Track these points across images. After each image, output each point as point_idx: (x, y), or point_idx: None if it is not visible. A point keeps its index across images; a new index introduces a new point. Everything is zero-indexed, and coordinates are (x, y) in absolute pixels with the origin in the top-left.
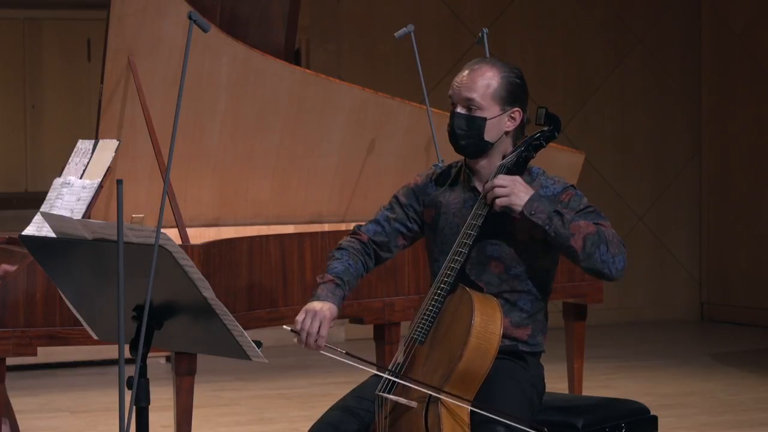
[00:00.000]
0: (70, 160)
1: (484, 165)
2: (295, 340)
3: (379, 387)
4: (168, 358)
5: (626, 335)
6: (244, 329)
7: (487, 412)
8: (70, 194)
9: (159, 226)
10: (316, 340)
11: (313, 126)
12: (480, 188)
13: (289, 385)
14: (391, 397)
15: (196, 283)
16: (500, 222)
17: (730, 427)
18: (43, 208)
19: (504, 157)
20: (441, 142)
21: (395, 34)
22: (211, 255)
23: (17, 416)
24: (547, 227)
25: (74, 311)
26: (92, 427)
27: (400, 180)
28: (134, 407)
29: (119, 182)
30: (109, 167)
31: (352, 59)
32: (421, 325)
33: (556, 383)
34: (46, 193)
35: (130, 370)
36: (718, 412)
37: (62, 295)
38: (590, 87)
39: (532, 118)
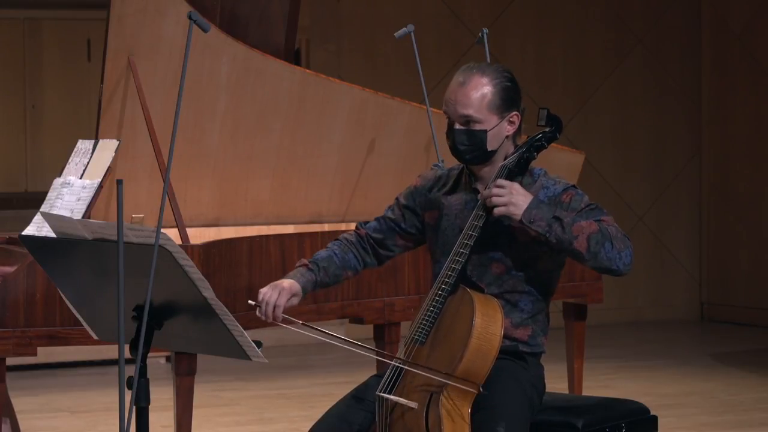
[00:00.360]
0: (70, 160)
1: (487, 170)
2: (257, 312)
3: (379, 387)
4: (168, 358)
5: (626, 335)
6: (244, 329)
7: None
8: (70, 194)
9: (159, 226)
10: (273, 310)
11: (313, 126)
12: (482, 190)
13: (289, 385)
14: (391, 397)
15: (196, 283)
16: (502, 224)
17: (730, 427)
18: (43, 208)
19: (505, 158)
20: (441, 142)
21: (395, 34)
22: (211, 255)
23: (17, 416)
24: (547, 235)
25: (74, 311)
26: (92, 427)
27: (400, 180)
28: (134, 407)
29: (119, 182)
30: (109, 167)
31: (352, 59)
32: (421, 326)
33: (556, 383)
34: (46, 193)
35: (130, 370)
36: (718, 412)
37: (62, 295)
38: (590, 87)
39: (533, 119)
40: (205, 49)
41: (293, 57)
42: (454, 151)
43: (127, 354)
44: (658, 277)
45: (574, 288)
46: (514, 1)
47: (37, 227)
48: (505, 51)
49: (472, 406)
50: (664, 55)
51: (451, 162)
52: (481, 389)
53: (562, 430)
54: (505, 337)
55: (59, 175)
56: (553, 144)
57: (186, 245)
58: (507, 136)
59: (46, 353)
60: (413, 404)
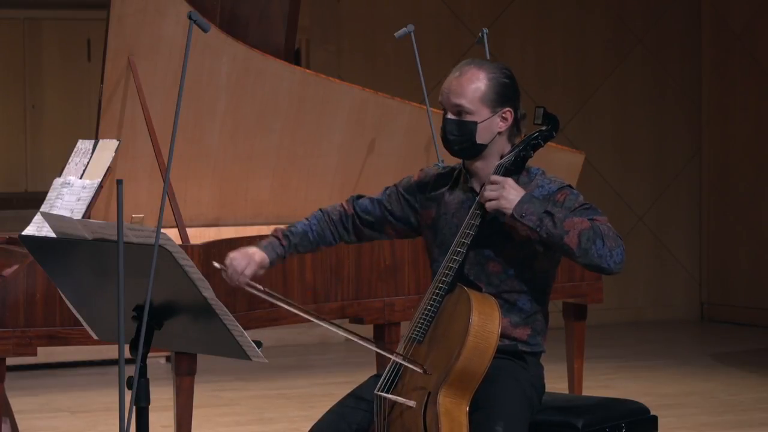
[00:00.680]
0: (70, 160)
1: (481, 166)
2: (223, 275)
3: (377, 386)
4: (168, 358)
5: (626, 335)
6: (244, 329)
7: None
8: (70, 194)
9: (159, 226)
10: (239, 278)
11: (313, 126)
12: (477, 189)
13: (289, 385)
14: (389, 396)
15: (196, 283)
16: (498, 223)
17: (730, 427)
18: (43, 208)
19: (502, 157)
20: (441, 142)
21: (395, 34)
22: (211, 255)
23: (17, 416)
24: (538, 229)
25: (74, 311)
26: (92, 427)
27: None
28: (134, 407)
29: (119, 182)
30: (109, 167)
31: (352, 59)
32: (419, 325)
33: (556, 383)
34: (46, 193)
35: (130, 370)
36: (718, 412)
37: (62, 295)
38: (590, 87)
39: (530, 117)
40: (205, 49)
41: (293, 57)
42: (444, 141)
43: (127, 354)
44: (658, 277)
45: (574, 288)
46: (514, 1)
47: (37, 227)
48: (505, 51)
49: (470, 405)
50: (664, 55)
51: (451, 162)
52: (424, 370)
53: (562, 430)
54: (504, 336)
55: (59, 175)
56: (553, 144)
57: (186, 245)
58: (500, 133)
59: (46, 353)
60: (411, 403)
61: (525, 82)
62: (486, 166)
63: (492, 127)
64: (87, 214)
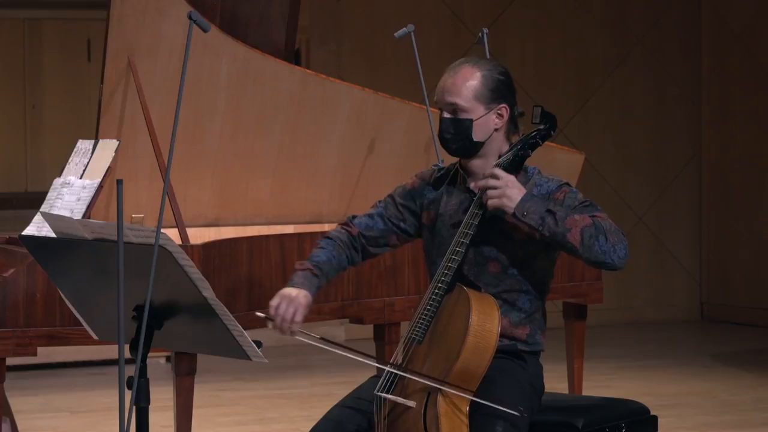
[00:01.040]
0: (70, 160)
1: (479, 165)
2: (270, 325)
3: (378, 387)
4: (168, 358)
5: (626, 335)
6: (244, 329)
7: (486, 401)
8: (70, 194)
9: (159, 226)
10: (290, 327)
11: (313, 126)
12: (475, 189)
13: (289, 385)
14: (389, 396)
15: (196, 283)
16: (497, 222)
17: (730, 427)
18: (43, 208)
19: (500, 156)
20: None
21: (395, 34)
22: (211, 255)
23: (17, 416)
24: (540, 228)
25: (74, 311)
26: (92, 427)
27: (400, 180)
28: (134, 407)
29: (119, 182)
30: (109, 167)
31: (352, 59)
32: (418, 325)
33: (556, 383)
34: (46, 193)
35: (130, 370)
36: (718, 412)
37: (62, 295)
38: (590, 87)
39: (528, 117)
40: (205, 49)
41: (293, 57)
42: (442, 140)
43: (127, 354)
44: (658, 277)
45: (574, 288)
46: (514, 1)
47: (37, 227)
48: (505, 51)
49: (470, 405)
50: (664, 55)
51: (451, 163)
52: (475, 396)
53: (562, 430)
54: (504, 336)
55: (59, 175)
56: (553, 144)
57: (186, 245)
58: (496, 130)
59: (46, 353)
60: (411, 403)
61: (525, 82)
62: (484, 165)
63: (488, 123)
64: (87, 214)
